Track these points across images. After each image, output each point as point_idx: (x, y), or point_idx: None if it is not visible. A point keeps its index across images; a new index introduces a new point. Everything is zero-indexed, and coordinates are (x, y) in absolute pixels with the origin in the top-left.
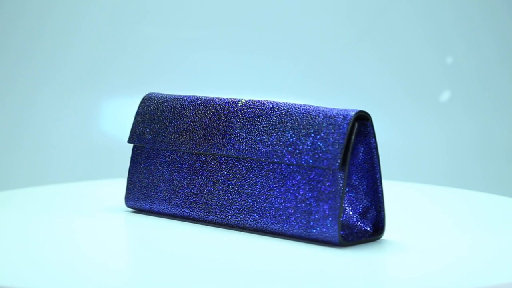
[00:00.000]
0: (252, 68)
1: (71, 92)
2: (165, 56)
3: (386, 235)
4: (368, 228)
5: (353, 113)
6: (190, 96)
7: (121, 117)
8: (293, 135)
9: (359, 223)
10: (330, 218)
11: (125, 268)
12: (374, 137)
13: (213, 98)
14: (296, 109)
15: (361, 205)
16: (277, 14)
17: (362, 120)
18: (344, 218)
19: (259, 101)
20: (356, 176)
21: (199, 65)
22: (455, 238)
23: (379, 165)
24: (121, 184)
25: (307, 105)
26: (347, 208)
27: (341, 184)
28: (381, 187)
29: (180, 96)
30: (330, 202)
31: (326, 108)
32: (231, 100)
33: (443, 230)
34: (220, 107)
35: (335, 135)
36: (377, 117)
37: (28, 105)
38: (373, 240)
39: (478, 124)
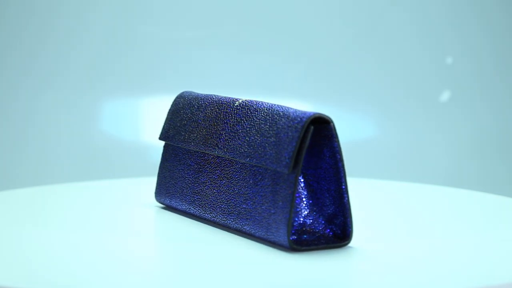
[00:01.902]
0: (253, 69)
1: (72, 92)
2: (166, 56)
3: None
4: (334, 234)
5: (309, 115)
6: (208, 95)
7: (121, 117)
8: (264, 137)
9: (326, 228)
10: (282, 222)
11: (120, 269)
12: (337, 141)
13: (221, 97)
14: (271, 110)
15: (328, 211)
16: (278, 15)
17: (325, 123)
18: (309, 223)
19: (251, 101)
20: (324, 181)
21: (199, 66)
22: (454, 238)
23: (344, 170)
24: (120, 184)
25: (282, 107)
26: (311, 213)
27: (292, 188)
28: (347, 193)
29: (201, 95)
30: (283, 206)
31: (294, 110)
32: (231, 100)
33: (441, 230)
34: (222, 107)
35: (290, 138)
36: (377, 117)
37: (28, 105)
38: (341, 246)
39: (478, 124)
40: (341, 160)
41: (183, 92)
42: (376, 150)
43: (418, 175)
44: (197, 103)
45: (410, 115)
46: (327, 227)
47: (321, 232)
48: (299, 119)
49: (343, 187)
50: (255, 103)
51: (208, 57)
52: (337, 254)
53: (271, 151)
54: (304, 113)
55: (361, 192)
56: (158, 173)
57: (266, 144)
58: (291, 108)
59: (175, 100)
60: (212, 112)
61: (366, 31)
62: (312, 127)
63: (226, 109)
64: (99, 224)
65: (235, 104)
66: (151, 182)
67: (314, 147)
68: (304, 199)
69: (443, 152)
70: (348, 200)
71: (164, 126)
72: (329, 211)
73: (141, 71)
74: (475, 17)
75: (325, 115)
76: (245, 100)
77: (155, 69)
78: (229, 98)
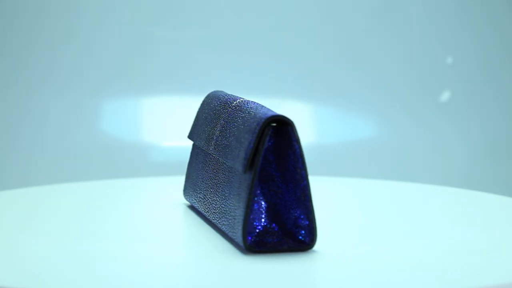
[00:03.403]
0: (253, 68)
1: (72, 92)
2: (167, 56)
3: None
4: (297, 237)
5: (267, 117)
6: (224, 94)
7: (121, 117)
8: (238, 138)
9: (290, 232)
10: (240, 224)
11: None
12: (298, 143)
13: (229, 97)
14: (249, 111)
15: (295, 213)
16: (277, 15)
17: (286, 125)
18: (273, 225)
19: (245, 101)
20: (292, 183)
21: (201, 66)
22: (452, 238)
23: (306, 173)
24: (121, 185)
25: (259, 107)
26: (276, 215)
27: (248, 189)
28: (309, 196)
29: (220, 94)
30: (242, 207)
31: (264, 111)
32: (232, 100)
33: (438, 230)
34: (224, 107)
35: (250, 138)
36: (376, 117)
37: (28, 105)
38: (303, 249)
39: (478, 124)
40: (303, 162)
41: (210, 92)
42: (376, 150)
43: (418, 175)
44: (213, 102)
45: (410, 115)
46: (292, 230)
47: (285, 235)
48: (259, 120)
49: (306, 190)
50: (246, 103)
51: (210, 58)
52: (297, 257)
53: (239, 152)
54: (266, 114)
55: (350, 192)
56: (186, 171)
57: (238, 145)
58: (264, 108)
59: (203, 100)
60: (217, 112)
61: (366, 31)
62: (270, 129)
63: (226, 108)
64: (99, 225)
65: (233, 104)
66: (152, 182)
67: (281, 149)
68: (269, 201)
69: (443, 152)
70: (311, 203)
71: (192, 125)
72: (295, 214)
73: (141, 71)
74: (476, 17)
75: (285, 117)
76: (241, 100)
77: (156, 69)
78: (232, 98)
